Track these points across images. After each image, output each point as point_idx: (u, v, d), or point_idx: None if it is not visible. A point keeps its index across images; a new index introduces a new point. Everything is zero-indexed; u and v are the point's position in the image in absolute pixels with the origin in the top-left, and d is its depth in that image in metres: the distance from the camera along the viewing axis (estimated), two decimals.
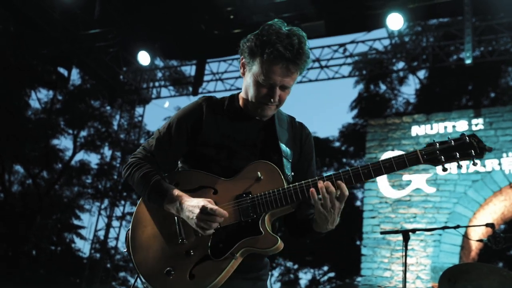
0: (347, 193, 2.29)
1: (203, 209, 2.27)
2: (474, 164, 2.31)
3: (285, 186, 2.36)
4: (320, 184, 2.27)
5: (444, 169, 2.33)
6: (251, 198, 2.36)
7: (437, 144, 2.33)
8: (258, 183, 2.38)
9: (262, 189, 2.37)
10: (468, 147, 2.28)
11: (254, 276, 2.51)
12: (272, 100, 2.44)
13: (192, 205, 2.31)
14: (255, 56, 2.42)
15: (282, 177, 2.39)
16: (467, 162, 2.30)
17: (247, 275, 2.47)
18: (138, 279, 2.43)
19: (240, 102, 2.62)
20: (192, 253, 2.34)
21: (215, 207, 2.29)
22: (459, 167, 2.32)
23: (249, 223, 2.33)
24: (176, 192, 2.40)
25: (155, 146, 2.59)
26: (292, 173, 2.52)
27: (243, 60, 2.52)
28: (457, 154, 2.29)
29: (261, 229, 2.31)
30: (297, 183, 2.34)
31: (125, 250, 2.49)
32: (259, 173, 2.40)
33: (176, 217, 2.41)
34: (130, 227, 2.51)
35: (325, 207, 2.27)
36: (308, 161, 2.69)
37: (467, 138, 2.29)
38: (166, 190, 2.42)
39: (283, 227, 2.66)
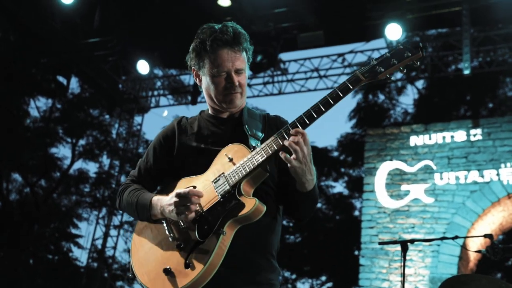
0: (306, 132, 2.34)
1: (177, 195, 2.36)
2: (415, 64, 2.35)
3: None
4: (286, 142, 2.31)
5: (389, 79, 2.41)
6: (224, 175, 2.42)
7: (374, 60, 2.39)
8: (229, 164, 2.45)
9: (234, 166, 2.44)
10: (403, 51, 2.34)
11: (263, 281, 2.48)
12: (233, 86, 2.57)
13: (169, 198, 2.42)
14: (201, 56, 2.59)
15: (248, 149, 2.45)
16: (407, 64, 2.36)
17: (251, 277, 2.45)
18: None
19: (209, 110, 2.76)
20: (183, 246, 2.38)
21: (187, 189, 2.38)
22: (402, 71, 2.37)
23: (227, 198, 2.37)
24: (156, 197, 2.53)
25: (138, 171, 2.78)
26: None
27: (195, 71, 2.69)
28: (395, 60, 2.34)
29: (239, 198, 2.35)
30: (260, 146, 2.40)
31: (131, 276, 2.54)
32: (225, 154, 2.48)
33: (163, 221, 2.49)
34: (130, 255, 2.60)
35: (298, 159, 2.29)
36: None
37: (400, 45, 2.36)
38: (148, 199, 2.54)
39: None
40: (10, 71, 15.31)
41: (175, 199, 2.36)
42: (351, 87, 2.35)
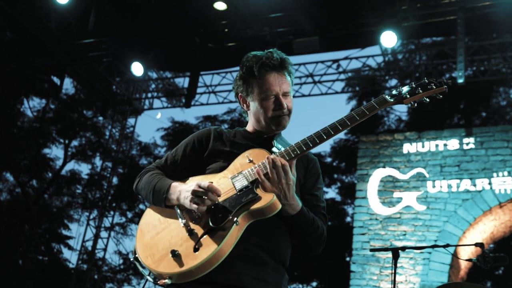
0: (286, 163, 2.44)
1: (198, 185, 2.43)
2: (438, 96, 2.58)
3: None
4: (268, 159, 2.44)
5: (413, 105, 2.59)
6: (242, 173, 2.52)
7: (400, 87, 2.60)
8: (249, 164, 2.56)
9: (253, 165, 2.55)
10: (428, 84, 2.56)
11: (269, 280, 2.50)
12: (282, 107, 2.67)
13: (189, 185, 2.50)
14: (249, 82, 2.71)
15: (270, 154, 2.54)
16: (430, 95, 2.56)
17: (260, 274, 2.46)
18: (148, 277, 2.45)
19: (249, 129, 2.85)
20: (195, 231, 2.41)
21: (210, 184, 2.44)
22: (425, 101, 2.56)
23: (245, 191, 2.45)
24: (176, 183, 2.59)
25: (164, 160, 2.86)
26: None
27: (242, 97, 2.79)
28: (420, 90, 2.55)
29: (257, 192, 2.43)
30: (281, 150, 2.55)
31: (132, 259, 2.53)
32: (247, 155, 2.60)
33: (176, 207, 2.53)
34: (136, 240, 2.60)
35: (272, 182, 2.42)
36: (315, 178, 2.83)
37: (426, 79, 2.58)
38: (169, 183, 2.61)
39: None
40: (3, 71, 15.25)
41: (194, 187, 2.42)
42: (377, 107, 2.52)
